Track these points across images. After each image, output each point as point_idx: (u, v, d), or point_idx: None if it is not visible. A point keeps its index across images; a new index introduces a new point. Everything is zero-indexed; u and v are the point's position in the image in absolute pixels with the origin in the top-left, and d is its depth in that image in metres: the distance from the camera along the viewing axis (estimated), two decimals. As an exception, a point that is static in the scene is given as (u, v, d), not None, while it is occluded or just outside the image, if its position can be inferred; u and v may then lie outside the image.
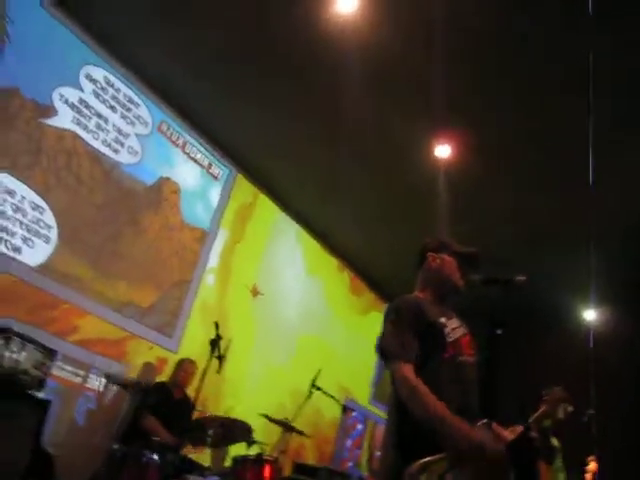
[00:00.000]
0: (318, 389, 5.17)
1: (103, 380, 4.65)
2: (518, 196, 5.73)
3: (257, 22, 4.45)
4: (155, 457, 3.69)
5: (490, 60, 4.30)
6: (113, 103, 5.14)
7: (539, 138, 4.94)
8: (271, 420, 4.80)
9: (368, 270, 8.21)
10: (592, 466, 4.53)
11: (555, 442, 4.04)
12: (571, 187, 5.28)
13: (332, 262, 7.86)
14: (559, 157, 5.06)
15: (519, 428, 2.25)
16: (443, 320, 2.21)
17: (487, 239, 6.32)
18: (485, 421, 1.98)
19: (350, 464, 7.72)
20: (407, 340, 2.08)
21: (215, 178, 6.14)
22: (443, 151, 5.31)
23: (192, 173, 5.89)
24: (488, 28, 4.04)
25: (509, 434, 2.16)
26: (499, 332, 2.37)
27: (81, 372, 4.62)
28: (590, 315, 7.38)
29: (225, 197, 6.24)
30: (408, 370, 2.00)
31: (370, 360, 8.31)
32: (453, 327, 2.22)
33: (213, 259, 6.04)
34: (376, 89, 4.79)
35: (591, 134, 4.51)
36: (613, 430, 5.76)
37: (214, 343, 4.09)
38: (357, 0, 4.03)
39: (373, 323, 8.58)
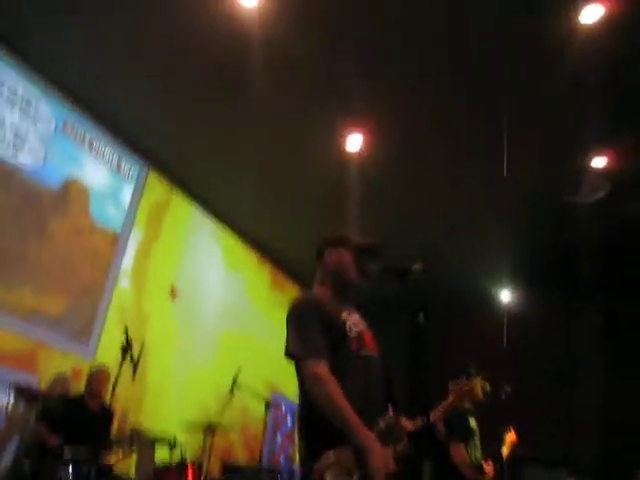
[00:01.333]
0: (239, 387, 5.11)
1: (11, 394, 4.39)
2: (433, 182, 5.87)
3: (160, 17, 4.33)
4: (70, 471, 3.53)
5: (404, 46, 4.36)
6: (10, 101, 4.85)
7: (451, 125, 5.07)
8: (190, 426, 4.73)
9: (288, 264, 8.20)
10: (510, 437, 4.67)
11: (473, 423, 4.16)
12: (484, 172, 5.47)
13: (252, 257, 7.80)
14: (472, 143, 5.22)
15: (419, 421, 2.29)
16: (344, 315, 2.21)
17: (404, 226, 6.49)
18: (392, 415, 2.04)
19: (282, 459, 7.71)
20: (314, 338, 2.07)
21: (126, 177, 5.94)
22: (356, 140, 5.35)
23: (101, 173, 5.66)
24: (400, 14, 4.08)
25: (411, 426, 2.19)
26: (420, 319, 2.41)
27: (-13, 387, 4.36)
28: (505, 296, 7.71)
29: (137, 196, 6.04)
30: (321, 368, 1.99)
31: (296, 353, 8.33)
32: (354, 322, 2.22)
33: (127, 261, 5.83)
34: (285, 79, 4.77)
35: (506, 123, 4.68)
36: (529, 404, 6.04)
37: (125, 349, 3.95)
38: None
39: (297, 316, 8.59)
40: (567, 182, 5.43)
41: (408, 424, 2.14)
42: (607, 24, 3.79)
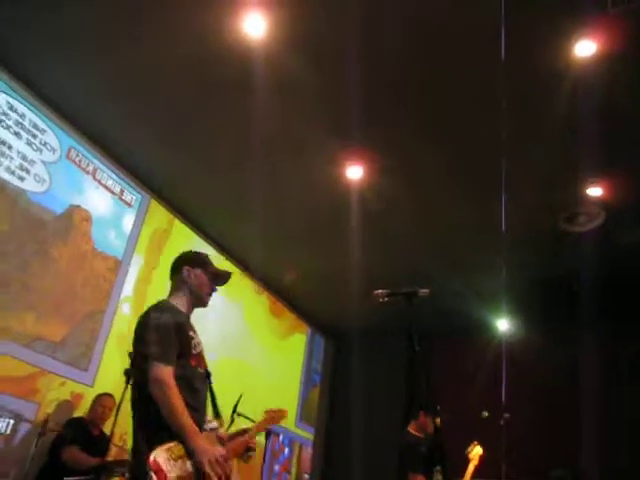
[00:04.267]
0: (240, 415, 5.08)
1: (11, 421, 4.40)
2: (431, 213, 5.95)
3: (164, 43, 4.42)
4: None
5: (402, 80, 4.46)
6: (17, 129, 4.93)
7: (450, 156, 5.17)
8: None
9: (286, 292, 8.22)
10: (476, 451, 4.62)
11: (425, 450, 4.20)
12: (482, 203, 5.55)
13: (250, 285, 7.83)
14: (470, 174, 5.31)
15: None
16: (191, 333, 2.53)
17: (403, 257, 6.54)
18: (214, 425, 2.44)
19: (279, 489, 7.63)
20: (169, 345, 2.35)
21: (128, 205, 6.00)
22: (355, 172, 5.44)
23: (104, 200, 5.73)
24: (401, 49, 4.20)
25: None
26: (416, 344, 2.50)
27: (-14, 413, 4.35)
28: (503, 325, 7.74)
29: (139, 224, 6.11)
30: (167, 373, 2.26)
31: (294, 382, 8.31)
32: (198, 341, 2.55)
33: (128, 287, 5.87)
34: (287, 110, 4.86)
35: (503, 154, 4.77)
36: (525, 432, 6.03)
37: (128, 373, 3.96)
38: (265, 23, 4.08)
39: (295, 345, 8.58)
40: (564, 211, 5.53)
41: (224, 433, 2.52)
42: (600, 58, 3.92)
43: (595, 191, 5.22)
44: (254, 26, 4.11)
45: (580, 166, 4.83)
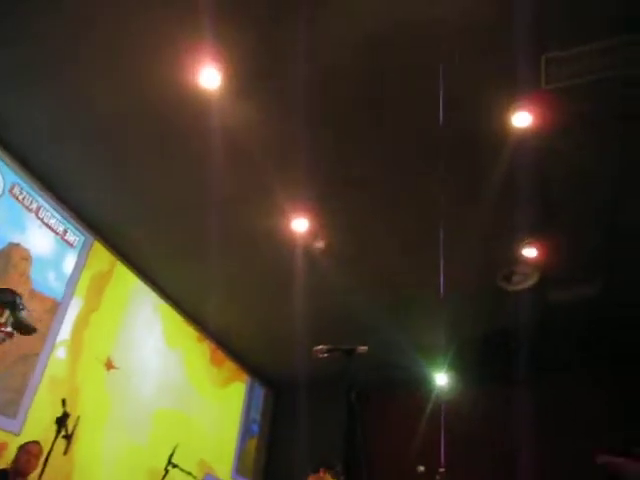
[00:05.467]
0: (175, 466, 4.95)
1: None
2: (374, 266, 6.07)
3: (118, 89, 4.48)
4: None
5: (349, 137, 4.64)
6: (-42, 164, 4.84)
7: (392, 216, 5.35)
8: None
9: (228, 341, 8.14)
10: None
11: None
12: (422, 263, 5.73)
13: (192, 333, 7.72)
14: (411, 235, 5.51)
15: None
16: None
17: (344, 311, 6.62)
18: None
19: None
20: None
21: (70, 245, 5.89)
22: (300, 224, 5.54)
23: (45, 240, 5.60)
24: (350, 109, 4.39)
25: None
26: (353, 397, 2.59)
27: None
28: (441, 379, 7.87)
29: (80, 265, 5.98)
30: None
31: (232, 432, 8.14)
32: None
33: (65, 331, 5.69)
34: (235, 161, 4.95)
35: (442, 216, 4.97)
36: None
37: (60, 421, 3.83)
38: (220, 77, 4.20)
39: (234, 394, 8.44)
40: (500, 271, 5.76)
41: None
42: (536, 129, 4.19)
43: (530, 252, 5.48)
44: (209, 78, 4.23)
45: (516, 228, 5.08)
